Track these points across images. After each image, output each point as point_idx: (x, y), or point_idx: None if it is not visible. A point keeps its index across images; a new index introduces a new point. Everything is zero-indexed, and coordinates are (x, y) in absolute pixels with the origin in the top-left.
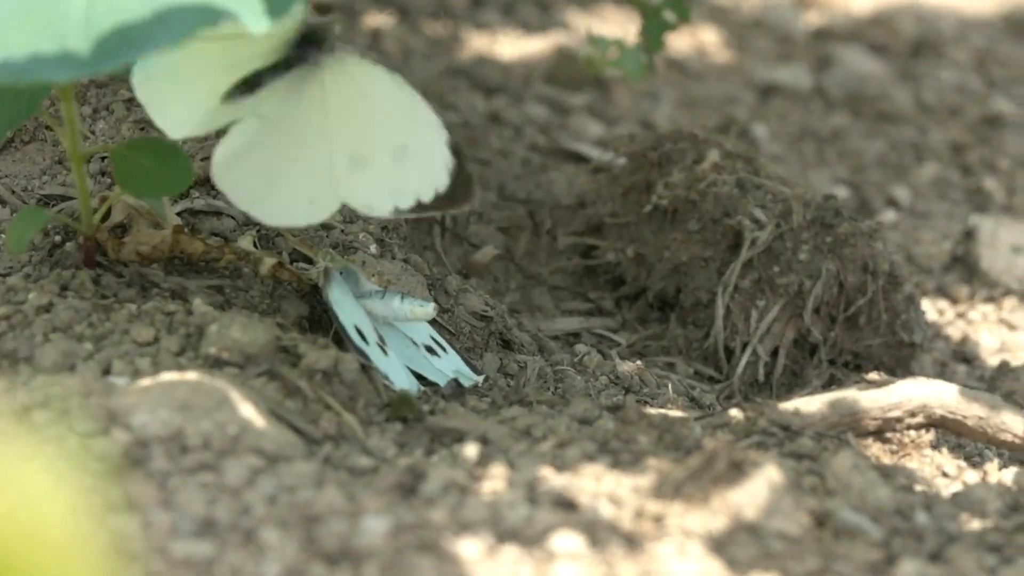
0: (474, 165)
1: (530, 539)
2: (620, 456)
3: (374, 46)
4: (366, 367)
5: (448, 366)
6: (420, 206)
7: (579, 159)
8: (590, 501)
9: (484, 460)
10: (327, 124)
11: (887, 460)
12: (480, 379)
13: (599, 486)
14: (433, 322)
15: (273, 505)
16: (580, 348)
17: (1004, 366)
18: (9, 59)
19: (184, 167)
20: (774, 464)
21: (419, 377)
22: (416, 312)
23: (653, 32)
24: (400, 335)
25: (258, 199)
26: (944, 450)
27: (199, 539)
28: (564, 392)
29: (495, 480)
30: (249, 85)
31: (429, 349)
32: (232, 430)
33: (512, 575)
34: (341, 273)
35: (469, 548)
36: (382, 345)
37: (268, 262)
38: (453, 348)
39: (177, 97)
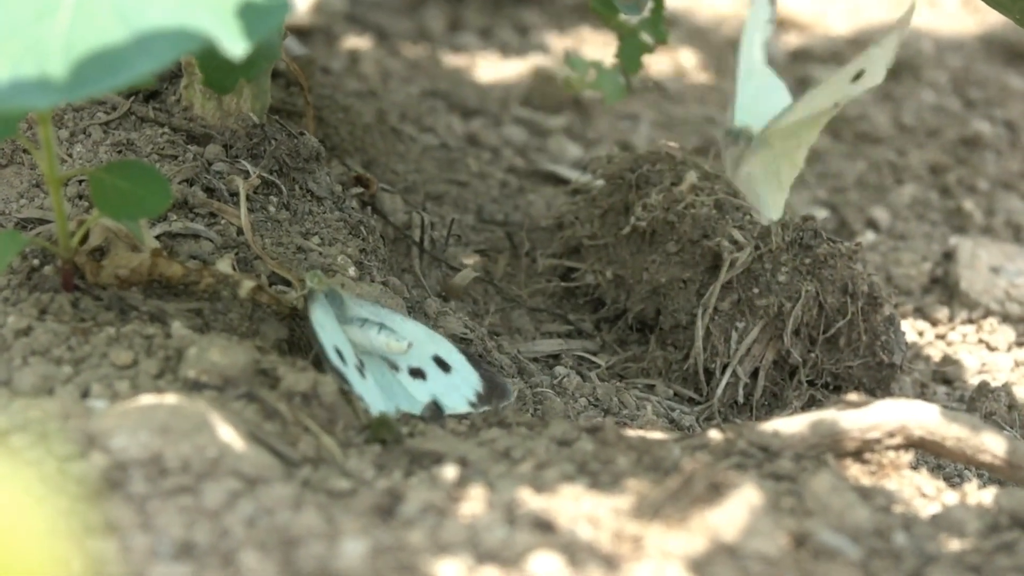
0: (453, 187)
1: (509, 561)
2: (599, 477)
3: (352, 69)
4: (345, 390)
5: (428, 389)
6: None
7: (557, 181)
8: (569, 523)
9: (463, 482)
10: None
11: (866, 481)
12: (480, 409)
13: (578, 507)
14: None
15: (252, 528)
16: (560, 370)
17: (984, 387)
18: None
19: (162, 190)
20: (753, 485)
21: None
22: (391, 347)
23: (630, 53)
24: (380, 362)
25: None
26: (923, 471)
27: (178, 562)
28: (543, 414)
29: (474, 502)
30: None
31: (416, 372)
32: (211, 453)
33: None
34: (326, 295)
35: (447, 570)
36: (360, 368)
37: (247, 285)
38: (472, 363)
39: None
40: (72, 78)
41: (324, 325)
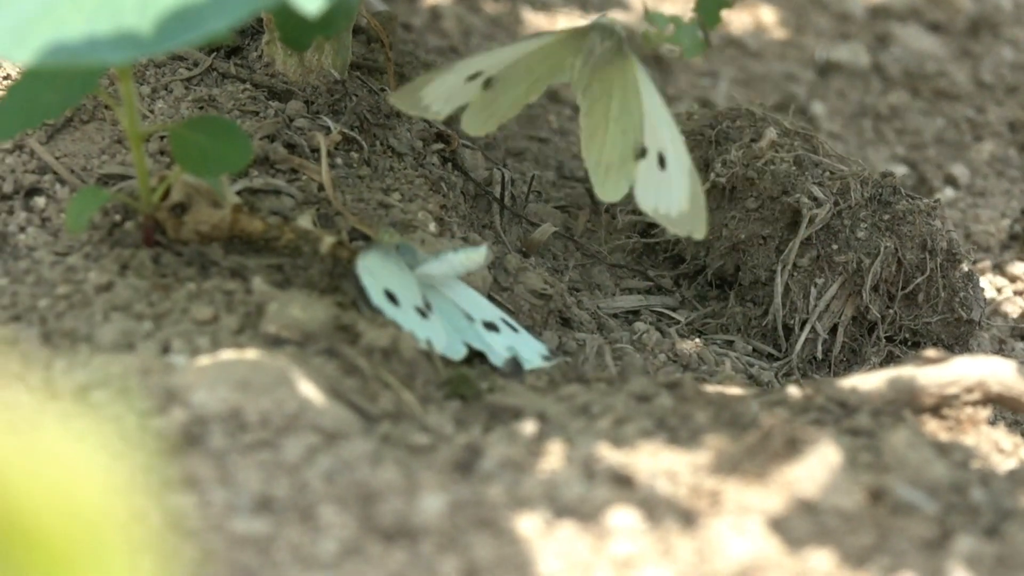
0: (533, 143)
1: (587, 515)
2: (677, 433)
3: (433, 25)
4: (429, 348)
5: (503, 342)
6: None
7: None
8: (647, 478)
9: (542, 437)
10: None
11: (944, 436)
12: (553, 362)
13: (656, 463)
14: (494, 300)
15: (331, 482)
16: (639, 326)
17: None
18: (65, 40)
19: (243, 145)
20: (831, 441)
21: (472, 352)
22: (471, 258)
23: (709, 8)
24: (455, 310)
25: None
26: (1001, 426)
27: (257, 516)
28: (622, 369)
29: (552, 457)
30: None
31: (489, 325)
32: (290, 408)
33: (569, 551)
34: (399, 248)
35: (526, 525)
36: (423, 310)
37: (328, 241)
38: (525, 328)
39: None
40: (147, 33)
41: (373, 271)
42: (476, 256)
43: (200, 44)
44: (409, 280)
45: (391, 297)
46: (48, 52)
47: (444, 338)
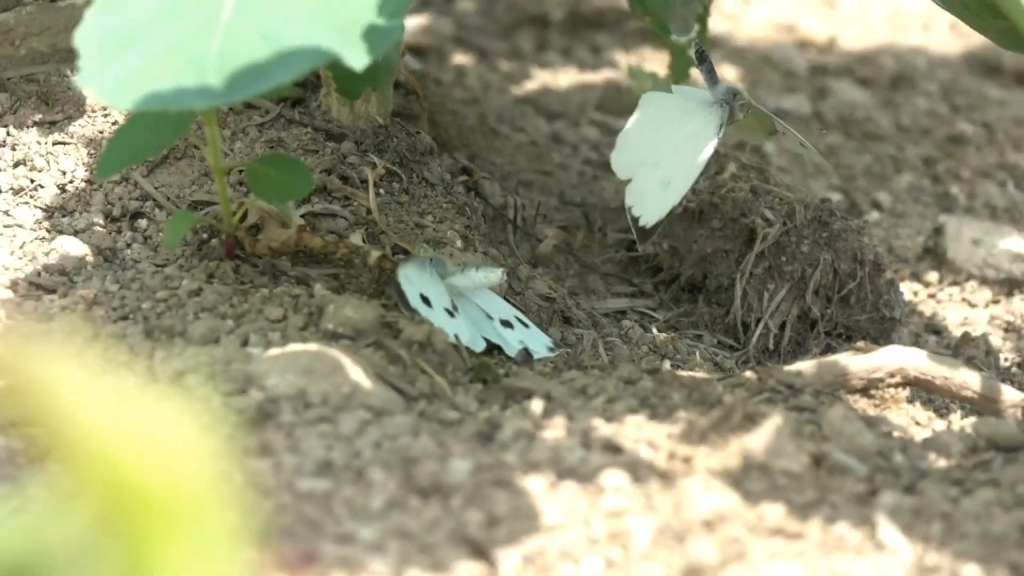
0: (539, 176)
1: (584, 477)
2: (657, 409)
3: (459, 81)
4: (457, 341)
5: (516, 336)
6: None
7: None
8: (633, 445)
9: (548, 413)
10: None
11: (871, 412)
12: (557, 352)
13: (640, 433)
14: (509, 302)
15: (378, 450)
16: (626, 323)
17: (966, 336)
18: (159, 90)
19: (305, 178)
20: (780, 415)
21: (491, 345)
22: (489, 277)
23: (680, 67)
24: (478, 310)
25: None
26: (917, 404)
27: (319, 477)
28: (613, 358)
29: (557, 429)
30: None
31: (505, 323)
32: (345, 390)
33: (570, 506)
34: (432, 260)
35: (535, 484)
36: (451, 310)
37: (375, 254)
38: (535, 324)
39: None
40: (223, 86)
41: (411, 279)
42: (493, 276)
43: (270, 95)
44: (440, 287)
45: (425, 300)
46: (145, 100)
47: (467, 333)
